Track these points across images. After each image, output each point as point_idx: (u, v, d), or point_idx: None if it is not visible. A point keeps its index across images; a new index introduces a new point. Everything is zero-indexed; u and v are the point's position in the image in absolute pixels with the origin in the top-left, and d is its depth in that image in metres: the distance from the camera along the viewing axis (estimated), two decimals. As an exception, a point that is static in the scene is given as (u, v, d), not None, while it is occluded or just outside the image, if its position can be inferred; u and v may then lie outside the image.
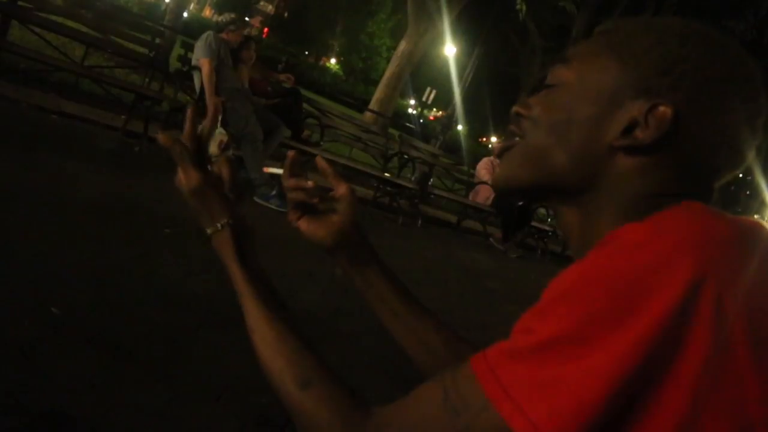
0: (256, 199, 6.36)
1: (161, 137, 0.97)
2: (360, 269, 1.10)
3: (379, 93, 17.92)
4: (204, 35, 6.65)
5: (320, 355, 0.85)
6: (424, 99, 37.87)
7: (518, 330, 0.66)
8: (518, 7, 16.30)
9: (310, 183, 1.07)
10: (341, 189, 1.08)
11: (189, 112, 1.04)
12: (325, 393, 0.78)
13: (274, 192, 6.38)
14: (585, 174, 0.80)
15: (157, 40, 8.99)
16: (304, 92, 8.75)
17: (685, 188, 0.78)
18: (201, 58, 6.50)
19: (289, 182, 1.08)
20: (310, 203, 1.09)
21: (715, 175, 0.81)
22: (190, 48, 7.31)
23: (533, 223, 10.01)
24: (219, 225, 0.98)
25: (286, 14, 41.31)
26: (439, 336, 1.08)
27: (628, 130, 0.77)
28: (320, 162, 1.09)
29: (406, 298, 1.11)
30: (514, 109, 0.89)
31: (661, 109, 0.75)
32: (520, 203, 0.98)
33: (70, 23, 7.81)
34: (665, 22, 0.82)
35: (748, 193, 31.73)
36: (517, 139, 0.88)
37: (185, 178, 0.98)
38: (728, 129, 0.77)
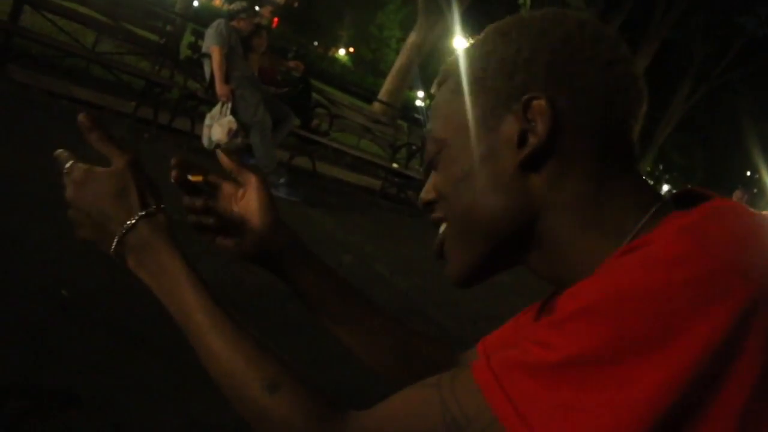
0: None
1: (82, 117, 0.87)
2: (296, 274, 1.00)
3: (387, 84, 17.87)
4: (215, 23, 6.64)
5: (281, 354, 0.76)
6: (432, 91, 37.80)
7: (531, 342, 0.59)
8: (521, 2, 16.26)
9: (197, 203, 0.97)
10: (250, 188, 0.98)
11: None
12: (296, 395, 0.70)
13: (282, 180, 6.39)
14: (517, 209, 0.74)
15: (168, 28, 9.02)
16: (314, 82, 8.75)
17: (615, 157, 0.73)
18: (211, 45, 6.50)
19: (186, 202, 0.98)
20: (210, 223, 0.98)
21: (626, 124, 0.74)
22: (200, 35, 7.32)
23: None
24: (152, 208, 0.84)
25: (296, 4, 41.22)
26: (390, 334, 1.02)
27: (521, 143, 0.72)
28: (222, 159, 1.00)
29: (348, 296, 1.02)
30: (421, 199, 0.85)
31: (534, 103, 0.71)
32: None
33: (81, 9, 7.81)
34: (479, 39, 0.79)
35: (755, 191, 31.60)
36: (443, 227, 0.83)
37: (120, 154, 0.86)
38: (601, 79, 0.73)
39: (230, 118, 6.27)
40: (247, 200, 0.98)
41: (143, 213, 0.83)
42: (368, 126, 10.39)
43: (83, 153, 0.89)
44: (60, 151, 0.88)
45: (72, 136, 0.90)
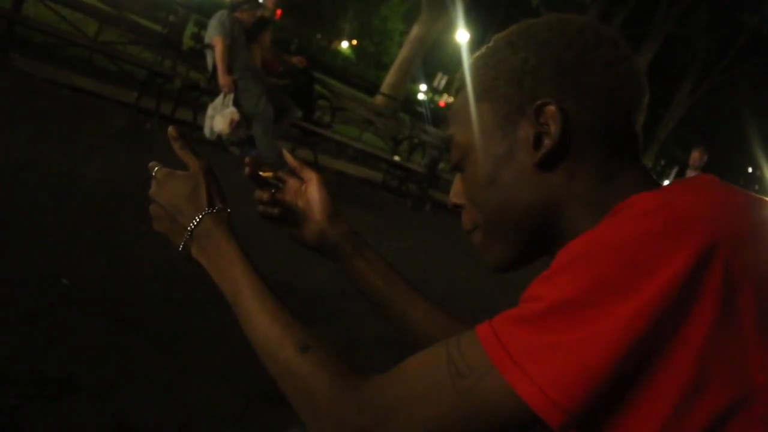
0: (265, 178, 6.36)
1: (171, 130, 1.03)
2: (350, 261, 1.15)
3: (390, 77, 17.89)
4: (218, 14, 6.64)
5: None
6: (435, 84, 37.74)
7: (525, 298, 0.67)
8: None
9: (265, 195, 1.13)
10: (311, 184, 1.15)
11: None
12: (324, 356, 0.79)
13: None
14: (541, 204, 0.82)
15: (171, 18, 8.97)
16: (316, 74, 8.74)
17: (621, 150, 0.82)
18: (214, 36, 6.49)
19: (257, 194, 1.15)
20: (275, 213, 1.14)
21: (630, 117, 0.82)
22: (203, 26, 7.31)
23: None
24: (218, 207, 0.99)
25: (299, -4, 41.15)
26: (431, 320, 1.11)
27: (537, 145, 0.80)
28: (288, 158, 1.19)
29: (395, 283, 1.14)
30: (450, 202, 0.95)
31: (545, 108, 0.79)
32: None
33: (84, -1, 7.80)
34: (489, 48, 0.87)
35: (757, 188, 31.59)
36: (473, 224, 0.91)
37: (196, 161, 1.02)
38: (603, 79, 0.80)
39: (232, 109, 6.27)
40: (308, 195, 1.15)
41: (208, 210, 0.97)
42: (370, 119, 10.42)
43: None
44: (153, 162, 1.05)
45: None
